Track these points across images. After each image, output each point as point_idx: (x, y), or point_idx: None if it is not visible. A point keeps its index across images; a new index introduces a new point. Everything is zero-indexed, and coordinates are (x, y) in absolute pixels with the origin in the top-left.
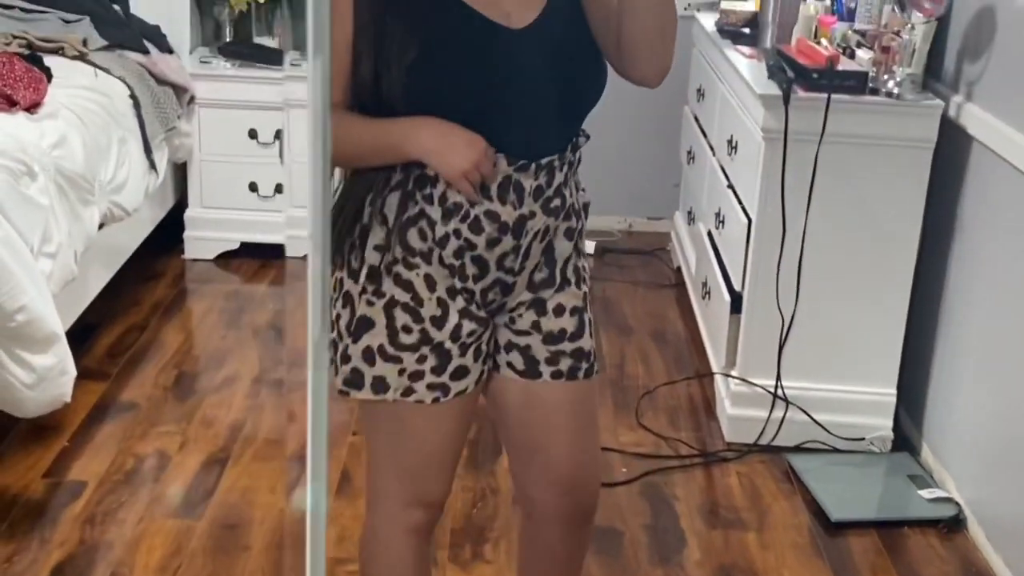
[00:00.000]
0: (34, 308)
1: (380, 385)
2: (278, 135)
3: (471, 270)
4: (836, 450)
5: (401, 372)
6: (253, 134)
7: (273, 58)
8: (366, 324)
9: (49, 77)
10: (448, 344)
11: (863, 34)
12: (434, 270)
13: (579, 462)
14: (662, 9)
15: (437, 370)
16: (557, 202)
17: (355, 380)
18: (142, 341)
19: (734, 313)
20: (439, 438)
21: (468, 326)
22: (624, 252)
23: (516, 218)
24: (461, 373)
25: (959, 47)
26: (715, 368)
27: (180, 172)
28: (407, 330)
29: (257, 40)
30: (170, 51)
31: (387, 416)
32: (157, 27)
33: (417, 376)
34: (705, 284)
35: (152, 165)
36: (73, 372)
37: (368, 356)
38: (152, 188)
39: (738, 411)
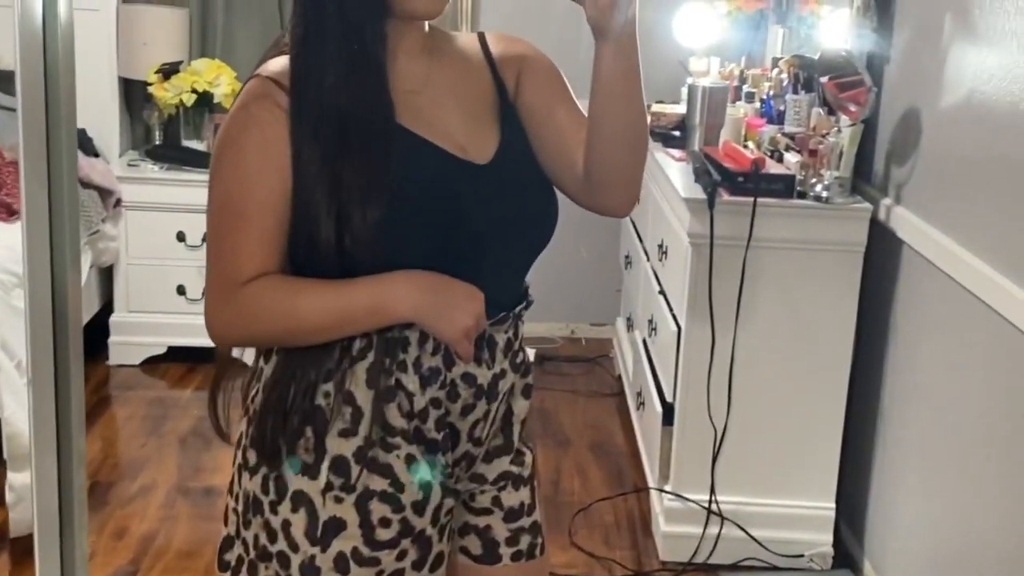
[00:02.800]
0: (15, 423)
1: None
2: (205, 238)
3: (447, 442)
4: (775, 567)
5: (379, 575)
6: (181, 236)
7: (201, 161)
8: (336, 526)
9: None
10: (429, 530)
11: (792, 137)
12: (414, 448)
13: None
14: (636, 139)
15: (418, 564)
16: (521, 356)
17: None
18: None
19: (666, 425)
20: None
21: (447, 504)
22: (565, 360)
23: (490, 379)
24: (439, 562)
25: (887, 150)
26: (651, 482)
27: (106, 276)
28: (385, 523)
29: (186, 143)
30: (96, 154)
31: None
32: (83, 131)
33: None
34: (640, 394)
35: None
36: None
37: (341, 564)
38: None
39: (672, 528)
